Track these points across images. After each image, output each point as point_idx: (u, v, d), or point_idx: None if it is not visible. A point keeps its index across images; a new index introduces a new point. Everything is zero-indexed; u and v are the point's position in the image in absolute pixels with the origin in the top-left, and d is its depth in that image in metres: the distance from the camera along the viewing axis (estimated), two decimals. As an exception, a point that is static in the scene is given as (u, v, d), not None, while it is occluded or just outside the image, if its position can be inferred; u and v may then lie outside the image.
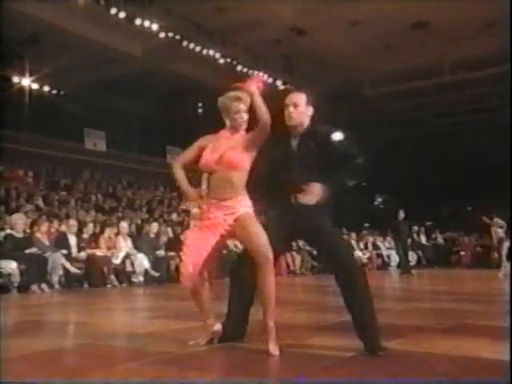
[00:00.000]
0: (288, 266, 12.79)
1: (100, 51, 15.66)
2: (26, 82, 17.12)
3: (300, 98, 3.87)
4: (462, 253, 19.60)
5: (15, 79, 16.94)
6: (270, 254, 3.40)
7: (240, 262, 3.95)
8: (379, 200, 26.16)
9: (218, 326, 3.65)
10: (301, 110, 3.84)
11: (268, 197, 4.19)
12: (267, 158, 3.89)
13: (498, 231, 15.44)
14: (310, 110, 3.88)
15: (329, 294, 8.19)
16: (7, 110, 16.10)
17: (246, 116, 3.61)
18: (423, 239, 18.84)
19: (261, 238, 3.44)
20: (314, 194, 3.60)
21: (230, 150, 3.54)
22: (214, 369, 3.11)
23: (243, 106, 3.57)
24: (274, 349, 3.33)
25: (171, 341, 3.84)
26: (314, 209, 3.64)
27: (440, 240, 19.49)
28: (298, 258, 13.24)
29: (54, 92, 18.23)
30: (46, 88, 17.95)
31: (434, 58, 18.00)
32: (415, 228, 18.91)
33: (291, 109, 3.85)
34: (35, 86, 17.44)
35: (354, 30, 16.46)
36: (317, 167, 3.77)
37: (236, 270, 3.94)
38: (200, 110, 19.53)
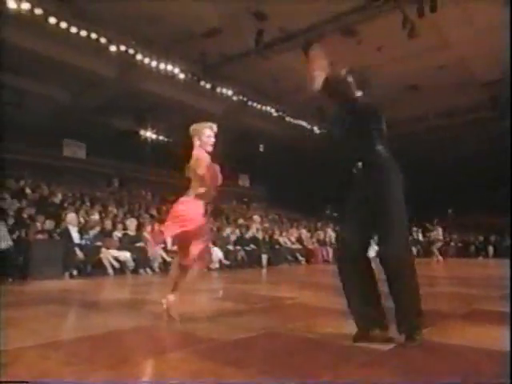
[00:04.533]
0: (323, 256, 11.49)
1: (193, 111, 15.15)
2: (149, 134, 16.98)
3: None
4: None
5: (141, 132, 16.84)
6: None
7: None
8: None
9: None
10: None
11: None
12: None
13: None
14: None
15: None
16: (136, 152, 16.01)
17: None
18: (420, 236, 17.10)
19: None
20: None
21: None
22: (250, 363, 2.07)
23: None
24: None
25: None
26: None
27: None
28: (330, 250, 11.92)
29: (166, 139, 17.95)
30: (161, 137, 17.68)
31: (422, 109, 16.89)
32: (414, 228, 17.29)
33: None
34: (154, 136, 17.25)
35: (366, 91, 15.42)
36: None
37: None
38: (261, 149, 18.57)
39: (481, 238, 18.13)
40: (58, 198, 11.80)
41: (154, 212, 12.67)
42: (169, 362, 2.09)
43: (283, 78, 13.94)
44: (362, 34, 12.50)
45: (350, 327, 2.61)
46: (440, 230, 14.78)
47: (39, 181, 12.77)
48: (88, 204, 11.98)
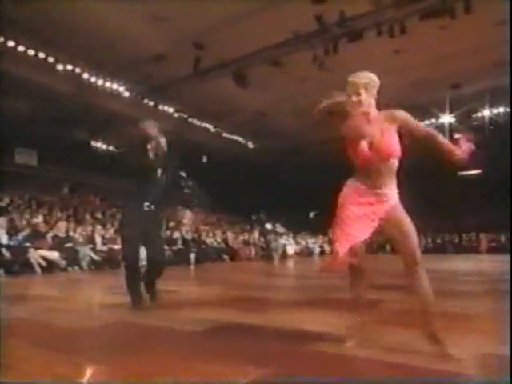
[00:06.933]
0: (246, 254, 11.47)
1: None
2: (99, 144, 16.28)
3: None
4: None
5: (93, 143, 16.11)
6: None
7: None
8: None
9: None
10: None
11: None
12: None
13: None
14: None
15: (274, 276, 6.87)
16: (88, 160, 15.27)
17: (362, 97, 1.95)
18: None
19: (415, 239, 1.87)
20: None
21: (380, 137, 1.89)
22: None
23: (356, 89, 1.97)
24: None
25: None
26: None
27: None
28: (253, 249, 11.96)
29: (116, 149, 17.25)
30: (111, 147, 16.96)
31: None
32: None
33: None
34: (104, 147, 16.55)
35: (297, 113, 15.81)
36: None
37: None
38: (204, 160, 18.26)
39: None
40: (4, 202, 11.02)
41: (99, 215, 12.15)
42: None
43: (220, 100, 13.99)
44: (287, 65, 12.82)
45: (201, 315, 2.60)
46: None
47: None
48: (34, 207, 11.29)
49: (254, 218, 14.03)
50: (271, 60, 12.39)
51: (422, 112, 13.61)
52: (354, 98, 1.97)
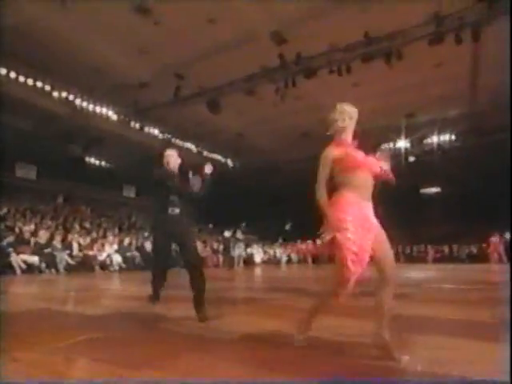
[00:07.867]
0: (213, 262, 12.61)
1: (130, 144, 15.92)
2: (92, 160, 17.49)
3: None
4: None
5: (86, 158, 17.34)
6: None
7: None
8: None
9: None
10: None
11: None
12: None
13: None
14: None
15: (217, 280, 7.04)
16: (82, 174, 16.52)
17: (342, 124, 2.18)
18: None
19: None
20: None
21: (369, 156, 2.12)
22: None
23: (339, 116, 2.18)
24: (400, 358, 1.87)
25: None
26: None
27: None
28: (220, 257, 13.05)
29: (108, 164, 18.60)
30: (103, 162, 18.34)
31: (312, 151, 18.16)
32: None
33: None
34: (97, 162, 17.85)
35: (271, 134, 16.93)
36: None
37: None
38: (190, 175, 19.30)
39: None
40: (2, 212, 12.28)
41: (87, 225, 13.33)
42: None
43: (200, 122, 15.31)
44: (260, 93, 14.10)
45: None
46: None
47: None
48: (28, 217, 12.50)
49: (210, 226, 14.71)
50: (244, 89, 13.65)
51: (380, 136, 14.84)
52: (340, 124, 2.15)
